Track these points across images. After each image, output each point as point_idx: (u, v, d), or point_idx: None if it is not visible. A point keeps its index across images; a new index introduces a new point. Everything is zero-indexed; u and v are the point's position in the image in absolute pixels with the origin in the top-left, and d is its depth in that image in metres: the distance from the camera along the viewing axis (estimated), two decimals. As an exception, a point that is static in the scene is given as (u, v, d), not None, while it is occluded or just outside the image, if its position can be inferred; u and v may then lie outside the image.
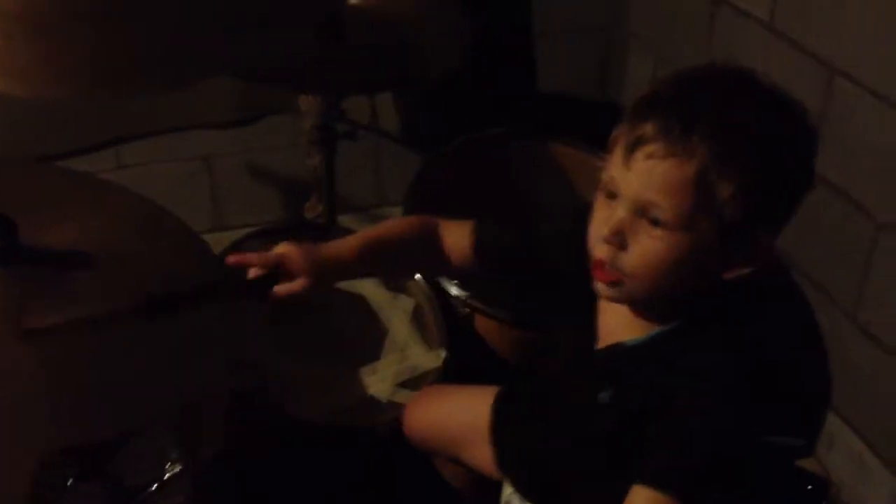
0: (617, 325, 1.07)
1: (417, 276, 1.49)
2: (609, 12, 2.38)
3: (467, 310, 1.45)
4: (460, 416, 1.28)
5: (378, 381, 1.35)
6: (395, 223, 1.25)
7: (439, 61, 1.56)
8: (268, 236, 1.52)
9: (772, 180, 0.96)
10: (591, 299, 1.08)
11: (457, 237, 1.20)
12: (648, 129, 0.95)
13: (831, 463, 1.87)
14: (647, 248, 0.96)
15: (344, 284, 1.45)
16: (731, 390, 0.98)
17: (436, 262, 1.23)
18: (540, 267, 1.17)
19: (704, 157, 0.93)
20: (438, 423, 1.29)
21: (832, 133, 1.67)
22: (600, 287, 1.01)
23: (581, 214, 1.06)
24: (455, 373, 1.37)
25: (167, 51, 1.20)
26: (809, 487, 1.65)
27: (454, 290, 1.47)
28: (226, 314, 1.12)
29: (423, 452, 1.33)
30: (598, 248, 0.99)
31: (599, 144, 1.86)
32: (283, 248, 1.14)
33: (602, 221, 0.99)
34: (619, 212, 0.97)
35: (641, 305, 1.04)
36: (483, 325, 1.46)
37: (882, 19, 1.61)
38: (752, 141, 0.95)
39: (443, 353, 1.39)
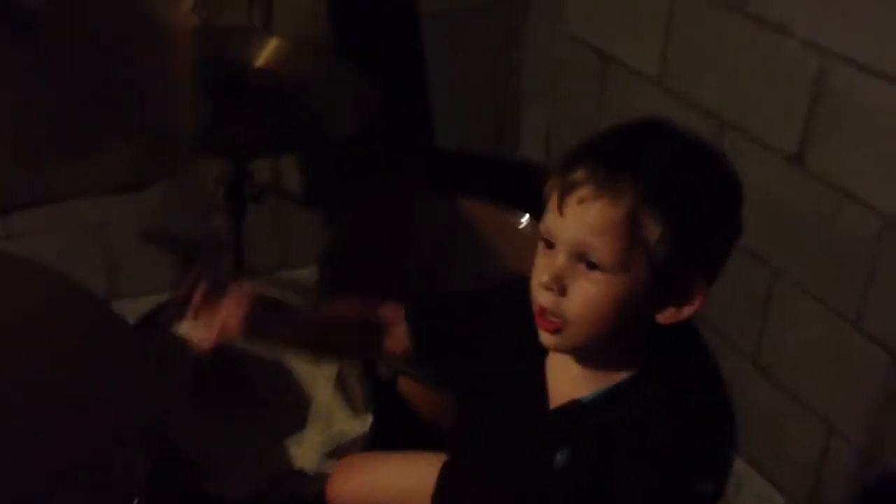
0: (569, 382, 1.07)
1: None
2: (502, 69, 2.43)
3: (391, 372, 1.43)
4: (389, 484, 1.25)
5: (304, 452, 1.31)
6: (335, 307, 1.24)
7: (345, 123, 1.56)
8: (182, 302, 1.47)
9: (699, 222, 0.99)
10: (538, 360, 1.09)
11: (396, 326, 1.20)
12: (578, 175, 0.97)
13: (740, 505, 1.90)
14: (587, 292, 0.98)
15: (264, 350, 1.41)
16: (669, 468, 1.00)
17: (373, 350, 1.23)
18: (480, 335, 1.16)
19: (632, 198, 0.95)
20: (365, 492, 1.26)
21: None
22: (543, 336, 1.02)
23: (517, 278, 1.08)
24: (381, 437, 1.34)
25: (72, 125, 1.17)
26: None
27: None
28: (141, 385, 1.07)
29: None
30: (541, 296, 1.00)
31: (500, 198, 1.93)
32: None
33: (542, 269, 1.00)
34: (559, 259, 0.99)
35: (587, 357, 1.04)
36: (407, 387, 1.44)
37: (763, 73, 1.69)
38: (677, 183, 0.98)
39: (369, 419, 1.36)
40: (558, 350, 1.05)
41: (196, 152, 1.67)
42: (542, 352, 1.08)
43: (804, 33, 1.59)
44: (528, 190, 2.07)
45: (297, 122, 1.53)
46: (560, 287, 0.98)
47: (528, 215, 1.80)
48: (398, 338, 1.19)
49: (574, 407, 1.06)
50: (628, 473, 1.00)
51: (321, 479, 1.28)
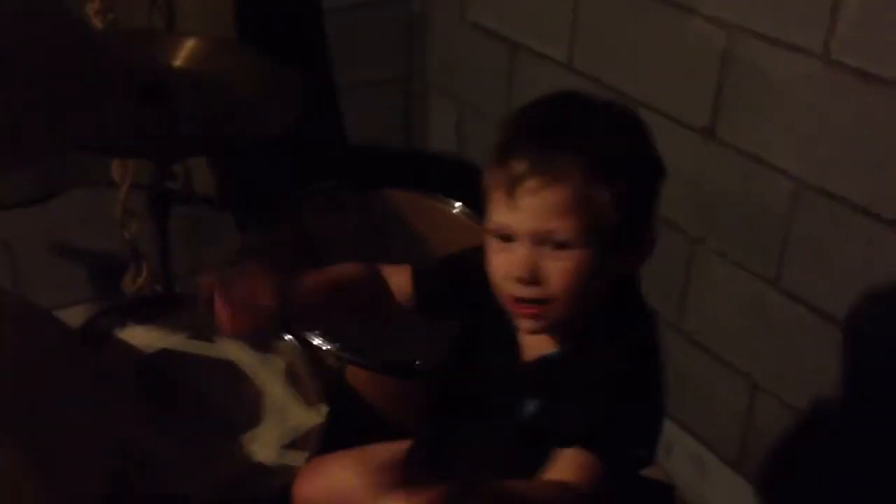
0: (538, 338, 1.11)
1: (287, 336, 1.46)
2: (407, 63, 2.44)
3: (338, 362, 1.43)
4: (354, 483, 1.25)
5: (263, 447, 1.30)
6: (343, 267, 1.25)
7: (271, 121, 1.54)
8: (120, 312, 1.44)
9: (636, 176, 1.05)
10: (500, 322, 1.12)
11: (399, 279, 1.24)
12: (520, 165, 1.01)
13: (673, 468, 1.97)
14: (562, 270, 1.02)
15: (209, 349, 1.39)
16: (628, 389, 1.07)
17: (383, 304, 1.25)
18: (470, 292, 1.18)
19: (579, 174, 1.00)
20: (330, 492, 1.25)
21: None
22: (524, 323, 1.06)
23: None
24: (337, 426, 1.34)
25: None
26: (656, 494, 1.75)
27: (321, 344, 1.44)
28: (91, 395, 1.04)
29: None
30: (514, 288, 1.04)
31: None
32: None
33: (505, 264, 1.04)
34: (521, 250, 1.02)
35: (563, 322, 1.08)
36: (355, 375, 1.44)
37: (672, 50, 1.75)
38: (612, 147, 1.04)
39: (324, 409, 1.36)
40: (537, 332, 1.08)
41: (118, 156, 1.61)
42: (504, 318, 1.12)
43: (710, 10, 1.66)
44: (444, 179, 2.11)
45: (221, 122, 1.50)
46: (533, 277, 1.02)
47: (460, 203, 1.82)
48: (403, 294, 1.23)
49: (543, 362, 1.11)
50: (578, 404, 1.04)
51: (283, 471, 1.27)
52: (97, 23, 1.72)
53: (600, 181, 1.01)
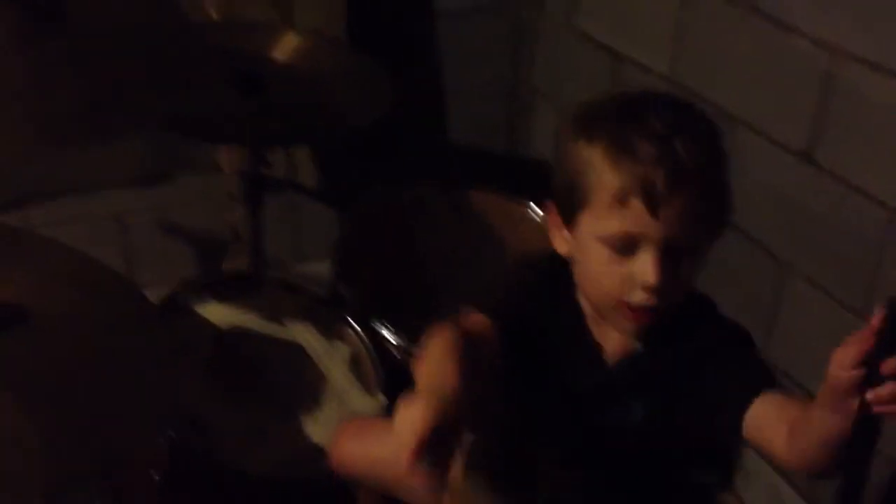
0: (618, 336, 1.10)
1: (354, 323, 1.51)
2: (513, 69, 2.46)
3: (404, 355, 1.47)
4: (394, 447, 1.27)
5: (321, 429, 1.35)
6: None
7: (359, 115, 1.59)
8: (204, 288, 1.52)
9: (726, 191, 1.07)
10: (577, 325, 1.12)
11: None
12: (654, 172, 0.98)
13: (749, 497, 1.93)
14: (686, 277, 1.04)
15: (280, 331, 1.46)
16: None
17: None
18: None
19: (710, 179, 1.02)
20: (371, 454, 1.27)
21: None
22: (634, 328, 1.07)
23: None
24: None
25: (98, 105, 1.20)
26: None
27: (390, 337, 1.48)
28: (160, 364, 1.10)
29: (350, 482, 1.31)
30: (636, 295, 1.03)
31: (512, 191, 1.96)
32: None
33: (629, 273, 1.02)
34: (653, 259, 1.00)
35: None
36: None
37: (773, 70, 1.71)
38: (715, 145, 1.05)
39: (382, 398, 1.40)
40: (645, 334, 1.09)
41: (216, 141, 1.70)
42: (579, 317, 1.11)
43: (813, 32, 1.62)
44: (539, 184, 2.12)
45: (312, 113, 1.56)
46: (667, 284, 1.01)
47: (534, 204, 1.84)
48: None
49: (633, 360, 1.10)
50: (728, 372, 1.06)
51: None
52: (213, 14, 1.80)
53: (724, 178, 1.05)
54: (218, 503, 1.30)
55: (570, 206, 1.06)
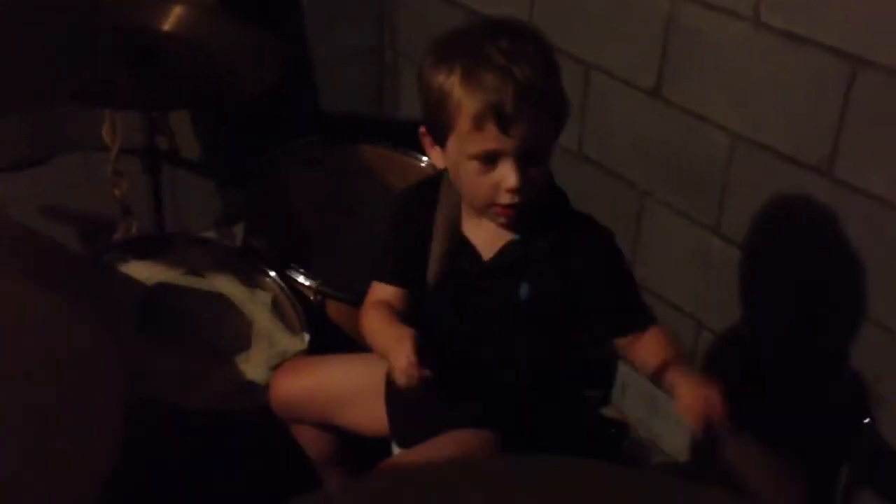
0: (490, 234, 1.30)
1: (271, 271, 1.61)
2: (378, 35, 2.57)
3: (318, 296, 1.58)
4: (336, 381, 1.41)
5: (253, 368, 1.45)
6: (384, 312, 1.34)
7: (255, 81, 1.67)
8: (121, 250, 1.58)
9: (564, 94, 1.26)
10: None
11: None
12: (504, 96, 1.18)
13: (627, 406, 2.13)
14: (540, 177, 1.24)
15: (203, 283, 1.54)
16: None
17: None
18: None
19: (552, 95, 1.22)
20: (311, 388, 1.40)
21: (595, 120, 1.98)
22: (507, 222, 1.27)
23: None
24: (318, 352, 1.48)
25: (11, 77, 1.25)
26: (612, 430, 1.91)
27: (304, 280, 1.59)
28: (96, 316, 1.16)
29: (288, 420, 1.43)
30: (503, 197, 1.24)
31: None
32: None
33: (492, 181, 1.23)
34: (510, 167, 1.21)
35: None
36: (334, 309, 1.59)
37: (619, 17, 1.90)
38: (551, 61, 1.25)
39: (306, 336, 1.51)
40: (512, 226, 1.29)
41: (114, 108, 1.74)
42: (453, 222, 1.31)
43: (653, -21, 1.81)
44: (409, 142, 2.24)
45: (206, 82, 1.64)
46: (523, 186, 1.22)
47: (426, 157, 1.97)
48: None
49: (510, 248, 1.29)
50: (607, 271, 1.29)
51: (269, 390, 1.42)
52: None
53: (561, 92, 1.23)
54: (163, 438, 1.37)
55: (438, 130, 1.27)
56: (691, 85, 1.81)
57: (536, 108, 1.19)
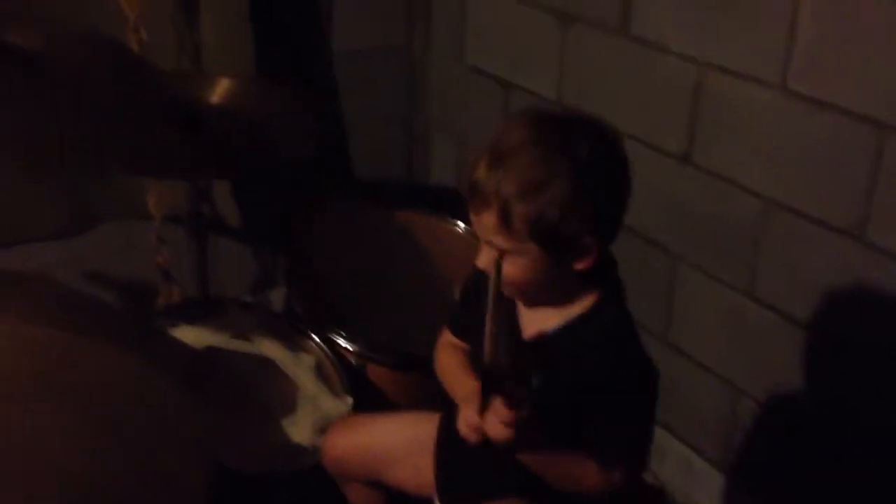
0: (536, 319, 1.31)
1: (313, 335, 1.64)
2: (409, 103, 2.64)
3: (359, 360, 1.61)
4: (386, 439, 1.43)
5: (298, 430, 1.47)
6: (458, 359, 1.41)
7: (290, 150, 1.73)
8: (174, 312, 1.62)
9: (565, 187, 1.17)
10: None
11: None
12: (468, 191, 1.21)
13: (663, 472, 2.13)
14: (514, 273, 1.22)
15: (249, 347, 1.58)
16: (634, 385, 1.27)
17: None
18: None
19: (500, 199, 1.17)
20: (363, 445, 1.42)
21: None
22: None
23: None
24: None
25: (62, 147, 1.30)
26: (650, 498, 1.91)
27: (345, 343, 1.62)
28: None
29: (339, 478, 1.45)
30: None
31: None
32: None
33: (484, 260, 1.24)
34: (485, 250, 1.24)
35: (544, 302, 1.29)
36: (375, 372, 1.62)
37: (649, 85, 1.94)
38: (535, 166, 1.17)
39: (349, 399, 1.53)
40: (530, 305, 1.30)
41: (164, 177, 1.80)
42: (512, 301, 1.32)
43: (680, 48, 1.86)
44: (441, 206, 2.29)
45: (250, 150, 1.69)
46: (492, 270, 1.19)
47: (461, 222, 2.02)
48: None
49: (541, 337, 1.29)
50: (604, 398, 1.23)
51: (316, 451, 1.44)
52: (133, 45, 1.90)
53: (521, 203, 1.16)
54: (209, 498, 1.39)
55: None
56: (721, 150, 1.85)
57: (485, 205, 1.18)
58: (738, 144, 1.81)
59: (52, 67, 1.29)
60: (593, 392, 1.23)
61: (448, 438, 1.39)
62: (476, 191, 1.18)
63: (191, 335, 1.59)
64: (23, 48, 1.26)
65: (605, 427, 1.25)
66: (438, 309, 1.94)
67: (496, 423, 1.14)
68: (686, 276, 1.98)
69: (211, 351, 1.58)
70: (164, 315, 1.63)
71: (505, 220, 1.17)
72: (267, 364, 1.58)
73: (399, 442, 1.43)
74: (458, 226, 2.04)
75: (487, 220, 1.18)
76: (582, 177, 1.17)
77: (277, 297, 2.31)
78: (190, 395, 1.20)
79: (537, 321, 1.31)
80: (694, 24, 1.82)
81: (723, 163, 1.84)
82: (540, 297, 1.27)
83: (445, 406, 1.39)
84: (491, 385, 1.16)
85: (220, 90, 1.78)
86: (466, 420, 1.18)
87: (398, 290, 1.97)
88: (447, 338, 1.47)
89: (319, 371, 1.59)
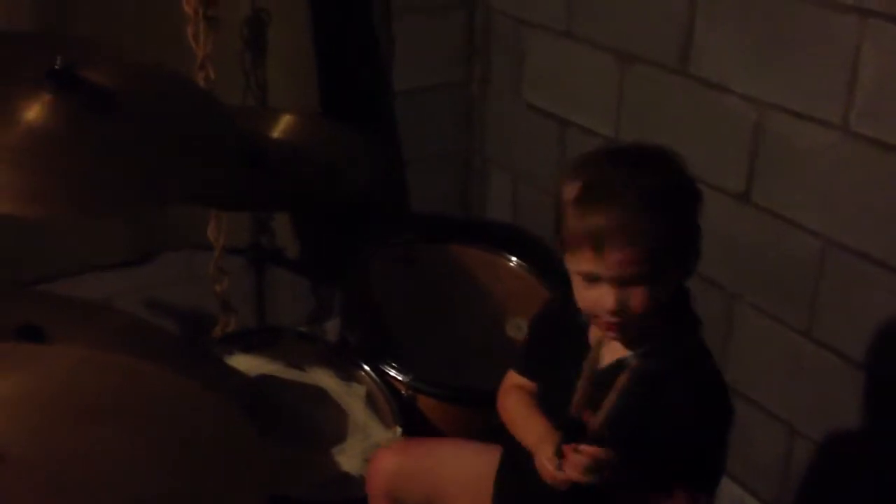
0: (610, 349, 1.32)
1: (365, 366, 1.67)
2: (467, 140, 2.67)
3: (410, 391, 1.62)
4: (443, 467, 1.43)
5: (348, 459, 1.49)
6: (525, 397, 1.44)
7: (349, 184, 1.76)
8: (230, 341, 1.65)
9: (681, 207, 1.28)
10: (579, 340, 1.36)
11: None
12: (602, 225, 1.21)
13: (717, 512, 2.10)
14: (641, 300, 1.24)
15: (302, 377, 1.60)
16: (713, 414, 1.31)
17: None
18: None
19: (650, 230, 1.22)
20: (415, 470, 1.43)
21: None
22: (610, 334, 1.30)
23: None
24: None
25: (133, 179, 1.35)
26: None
27: (396, 374, 1.64)
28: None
29: (384, 499, 1.45)
30: (605, 316, 1.26)
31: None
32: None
33: (594, 297, 1.26)
34: (609, 290, 1.24)
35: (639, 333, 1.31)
36: (425, 404, 1.64)
37: (709, 124, 1.95)
38: (663, 193, 1.25)
39: (399, 430, 1.55)
40: (620, 340, 1.30)
41: (228, 209, 1.84)
42: (583, 332, 1.34)
43: (741, 88, 1.86)
44: (501, 244, 2.30)
45: (310, 182, 1.73)
46: (621, 309, 1.24)
47: (515, 258, 2.03)
48: None
49: (619, 364, 1.30)
50: (687, 425, 1.24)
51: (364, 481, 1.45)
52: (200, 82, 1.96)
53: (667, 228, 1.23)
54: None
55: (560, 239, 1.31)
56: (780, 190, 1.84)
57: (634, 242, 1.21)
58: (797, 184, 1.80)
59: (124, 102, 1.33)
60: (673, 418, 1.24)
61: (510, 477, 1.40)
62: (617, 227, 1.20)
63: (245, 363, 1.62)
64: (95, 84, 1.31)
65: (691, 453, 1.25)
66: (491, 343, 1.96)
67: (577, 464, 1.18)
68: (744, 315, 1.97)
69: (264, 379, 1.61)
70: (220, 343, 1.66)
71: (657, 247, 1.21)
72: (318, 393, 1.61)
73: (458, 472, 1.43)
74: (511, 260, 2.06)
75: (630, 253, 1.20)
76: (684, 189, 1.31)
77: (333, 329, 2.34)
78: (249, 421, 1.23)
79: (615, 351, 1.32)
80: (754, 63, 1.82)
81: (782, 202, 1.84)
82: (642, 327, 1.28)
83: (507, 444, 1.40)
84: (573, 434, 1.19)
85: (283, 126, 1.82)
86: (546, 462, 1.21)
87: (452, 324, 1.99)
88: (513, 379, 1.48)
89: (370, 401, 1.61)
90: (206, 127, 1.40)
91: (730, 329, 2.01)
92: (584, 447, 1.18)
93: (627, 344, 1.31)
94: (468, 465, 1.43)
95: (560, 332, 1.38)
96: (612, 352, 1.32)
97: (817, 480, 1.89)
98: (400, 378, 1.65)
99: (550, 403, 1.39)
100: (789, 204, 1.82)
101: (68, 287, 2.19)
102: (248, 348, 1.67)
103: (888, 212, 1.64)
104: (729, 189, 1.93)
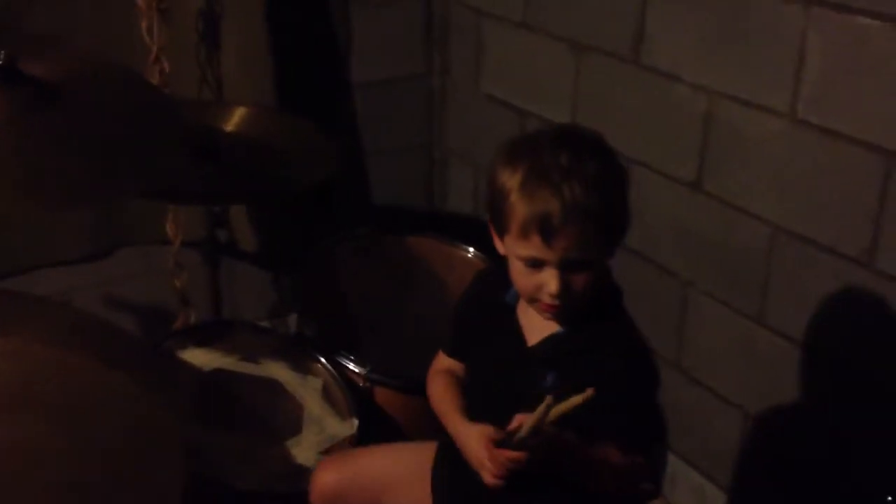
0: (540, 325, 1.35)
1: (321, 358, 1.67)
2: (427, 132, 2.68)
3: (367, 383, 1.63)
4: (380, 468, 1.45)
5: (303, 451, 1.50)
6: (451, 383, 1.47)
7: (306, 177, 1.77)
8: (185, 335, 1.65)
9: (619, 190, 1.31)
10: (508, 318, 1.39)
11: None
12: (548, 209, 1.23)
13: (677, 499, 2.12)
14: (584, 283, 1.28)
15: (257, 370, 1.61)
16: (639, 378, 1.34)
17: None
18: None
19: (595, 212, 1.24)
20: (354, 477, 1.44)
21: (638, 212, 2.02)
22: (549, 316, 1.33)
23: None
24: (366, 437, 1.53)
25: (79, 174, 1.34)
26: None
27: (353, 366, 1.65)
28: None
29: None
30: (547, 298, 1.29)
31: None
32: None
33: (536, 283, 1.28)
34: (553, 274, 1.27)
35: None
36: (382, 395, 1.65)
37: (660, 114, 1.97)
38: (605, 177, 1.28)
39: (355, 422, 1.56)
40: (556, 320, 1.34)
41: (181, 203, 1.84)
42: (511, 311, 1.37)
43: (691, 78, 1.88)
44: (458, 234, 2.31)
45: (266, 175, 1.73)
46: (564, 292, 1.27)
47: (472, 248, 2.04)
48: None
49: (551, 339, 1.34)
50: (618, 389, 1.26)
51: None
52: (155, 76, 1.96)
53: (610, 210, 1.26)
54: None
55: (497, 224, 1.33)
56: (731, 178, 1.86)
57: (582, 225, 1.23)
58: (748, 172, 1.82)
59: (72, 97, 1.32)
60: (604, 385, 1.24)
61: (445, 464, 1.41)
62: (567, 211, 1.22)
63: (199, 358, 1.62)
64: (43, 79, 1.30)
65: (622, 414, 1.28)
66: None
67: (500, 466, 1.23)
68: (697, 302, 1.99)
69: (217, 373, 1.61)
70: (175, 338, 1.66)
71: (600, 229, 1.24)
72: (273, 385, 1.61)
73: (395, 471, 1.45)
74: (468, 251, 2.07)
75: (577, 237, 1.23)
76: (619, 172, 1.33)
77: (293, 322, 2.34)
78: (180, 412, 1.25)
79: (540, 329, 1.35)
80: (704, 52, 1.84)
81: (733, 190, 1.86)
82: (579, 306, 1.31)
83: (445, 433, 1.41)
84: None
85: (237, 119, 1.82)
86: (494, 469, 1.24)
87: (413, 316, 2.00)
88: (442, 361, 1.50)
89: (326, 393, 1.62)
90: (153, 120, 1.40)
91: (684, 316, 2.03)
92: (507, 452, 1.22)
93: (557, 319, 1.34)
94: (407, 466, 1.45)
95: (486, 313, 1.41)
96: (539, 330, 1.35)
97: (772, 465, 1.92)
98: (357, 370, 1.66)
99: (479, 383, 1.43)
100: (740, 192, 1.85)
101: (25, 283, 2.19)
102: (201, 342, 1.67)
103: (835, 198, 1.67)
104: (681, 177, 1.95)
